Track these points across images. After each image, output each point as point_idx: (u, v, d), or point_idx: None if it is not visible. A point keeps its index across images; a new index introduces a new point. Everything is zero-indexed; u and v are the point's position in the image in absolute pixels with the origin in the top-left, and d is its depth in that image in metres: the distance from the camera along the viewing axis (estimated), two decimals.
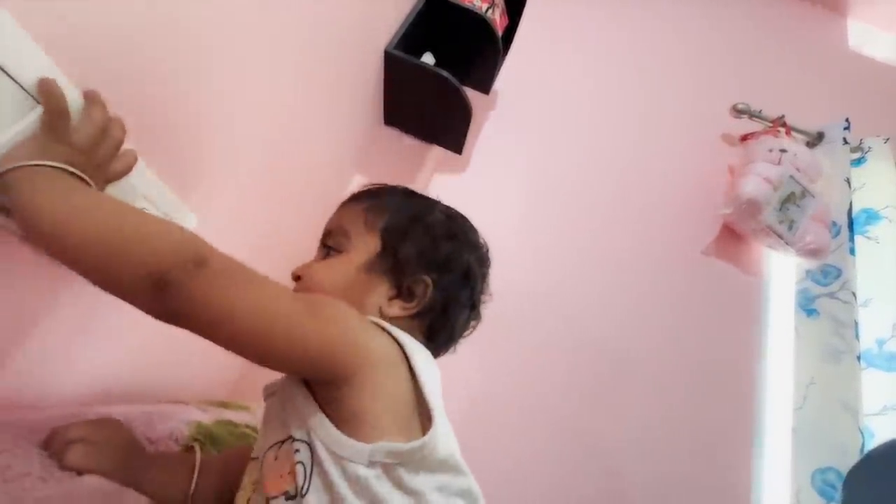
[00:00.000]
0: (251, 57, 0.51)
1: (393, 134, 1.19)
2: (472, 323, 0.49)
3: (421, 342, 0.40)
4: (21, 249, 0.33)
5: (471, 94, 1.07)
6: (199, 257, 0.27)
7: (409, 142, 1.19)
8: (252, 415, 0.62)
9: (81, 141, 0.30)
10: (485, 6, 1.07)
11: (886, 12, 1.67)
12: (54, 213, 0.26)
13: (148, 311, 0.27)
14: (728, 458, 1.03)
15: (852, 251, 1.15)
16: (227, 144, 0.52)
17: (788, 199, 1.17)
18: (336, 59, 0.75)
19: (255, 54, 0.51)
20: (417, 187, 1.16)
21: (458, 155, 1.18)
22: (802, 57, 1.61)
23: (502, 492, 0.84)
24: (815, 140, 1.36)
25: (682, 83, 1.47)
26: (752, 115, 1.36)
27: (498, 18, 1.13)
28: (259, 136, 0.59)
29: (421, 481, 0.32)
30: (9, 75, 0.26)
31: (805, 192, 1.18)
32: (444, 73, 0.97)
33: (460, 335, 0.48)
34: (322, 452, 0.31)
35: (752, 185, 1.15)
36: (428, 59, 1.09)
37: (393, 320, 0.41)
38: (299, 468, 0.31)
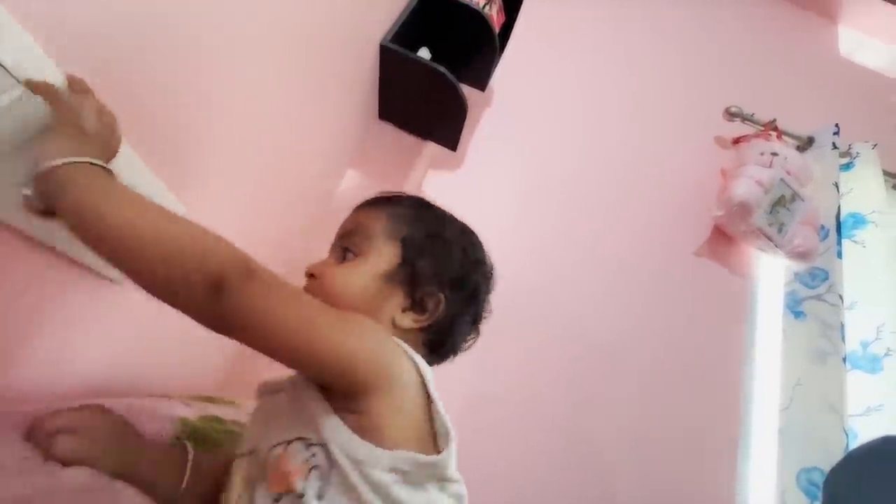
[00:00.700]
0: (245, 48, 0.49)
1: (387, 129, 1.17)
2: (472, 338, 0.51)
3: (422, 354, 0.41)
4: (4, 242, 0.31)
5: (466, 90, 1.06)
6: (249, 268, 0.30)
7: (403, 137, 1.18)
8: (238, 410, 0.60)
9: (91, 129, 0.30)
10: (482, 2, 1.07)
11: (877, 20, 1.69)
12: (106, 214, 0.27)
13: (196, 314, 0.29)
14: (715, 456, 1.04)
15: (839, 254, 1.17)
16: (218, 136, 0.51)
17: (779, 203, 1.18)
18: (331, 51, 0.74)
19: (249, 46, 0.50)
20: (411, 183, 1.16)
21: (452, 152, 1.17)
22: (794, 62, 1.63)
23: (493, 488, 0.84)
24: (806, 144, 1.37)
25: (676, 85, 1.48)
26: (745, 118, 1.37)
27: (495, 15, 1.13)
28: (252, 128, 0.58)
29: (431, 487, 0.35)
30: None
31: (795, 196, 1.20)
32: (441, 69, 0.96)
33: (459, 350, 0.50)
34: (341, 457, 0.32)
35: (744, 188, 1.16)
36: (424, 54, 1.08)
37: (402, 331, 0.42)
38: (315, 472, 0.32)
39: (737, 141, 1.36)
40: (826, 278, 1.14)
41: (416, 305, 0.44)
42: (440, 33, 1.11)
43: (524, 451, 0.99)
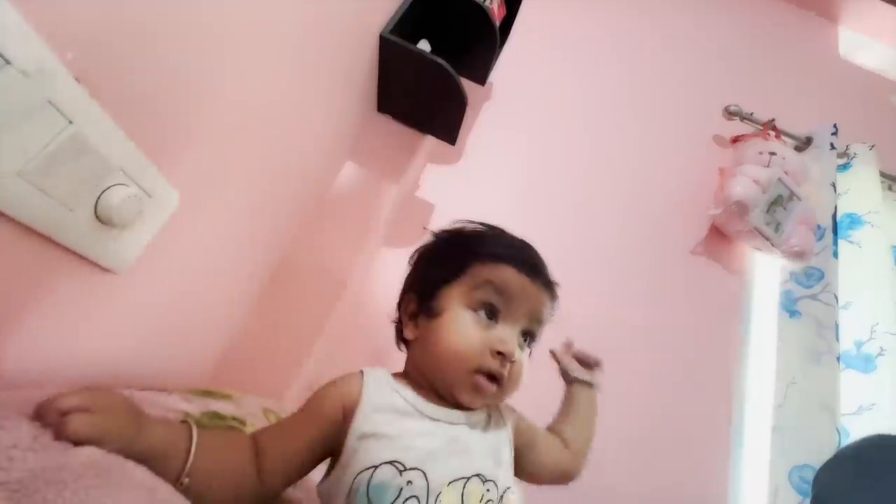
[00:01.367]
0: (241, 35, 0.49)
1: (386, 121, 1.16)
2: None
3: None
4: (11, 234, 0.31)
5: (466, 84, 1.05)
6: None
7: (401, 130, 1.17)
8: (235, 405, 0.60)
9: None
10: None
11: (876, 21, 1.70)
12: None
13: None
14: (708, 453, 1.05)
15: (835, 254, 1.18)
16: (213, 125, 0.50)
17: (776, 202, 1.18)
18: (329, 40, 0.73)
19: (245, 32, 0.49)
20: (409, 177, 1.15)
21: (451, 146, 1.16)
22: (794, 62, 1.63)
23: None
24: (804, 144, 1.38)
25: (676, 82, 1.48)
26: (744, 117, 1.37)
27: (496, 8, 1.12)
28: (247, 118, 0.57)
29: None
30: None
31: (792, 196, 1.20)
32: (441, 61, 0.95)
33: None
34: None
35: (741, 187, 1.16)
36: (424, 46, 1.07)
37: None
38: None
39: (735, 140, 1.36)
40: (821, 278, 1.15)
41: None
42: (440, 26, 1.10)
43: None
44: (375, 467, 0.36)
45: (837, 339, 1.06)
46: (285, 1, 0.55)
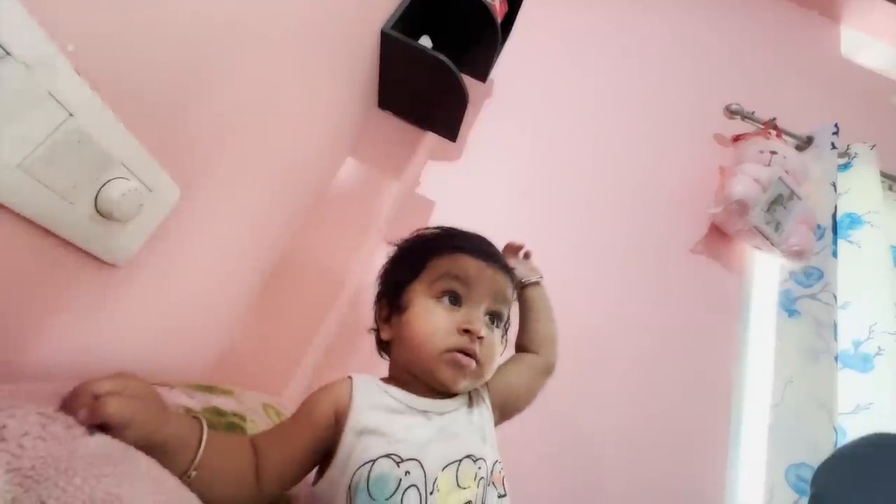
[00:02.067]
0: (242, 31, 0.48)
1: (387, 118, 1.16)
2: None
3: None
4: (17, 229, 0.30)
5: (467, 81, 1.05)
6: None
7: (402, 126, 1.16)
8: (236, 400, 0.59)
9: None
10: None
11: (878, 21, 1.69)
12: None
13: None
14: (705, 451, 1.05)
15: (835, 254, 1.18)
16: (216, 119, 0.50)
17: (776, 201, 1.18)
18: (331, 36, 0.72)
19: (247, 28, 0.49)
20: (410, 173, 1.14)
21: (452, 142, 1.16)
22: (796, 61, 1.63)
23: None
24: (805, 144, 1.38)
25: (678, 80, 1.47)
26: (745, 116, 1.37)
27: (498, 5, 1.11)
28: (249, 112, 0.57)
29: None
30: None
31: (793, 195, 1.20)
32: (442, 57, 0.94)
33: None
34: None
35: (742, 186, 1.16)
36: (425, 42, 1.07)
37: None
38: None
39: (736, 139, 1.36)
40: (821, 277, 1.15)
41: None
42: (441, 22, 1.09)
43: (516, 446, 1.00)
44: (373, 461, 0.37)
45: (836, 338, 1.07)
46: None
